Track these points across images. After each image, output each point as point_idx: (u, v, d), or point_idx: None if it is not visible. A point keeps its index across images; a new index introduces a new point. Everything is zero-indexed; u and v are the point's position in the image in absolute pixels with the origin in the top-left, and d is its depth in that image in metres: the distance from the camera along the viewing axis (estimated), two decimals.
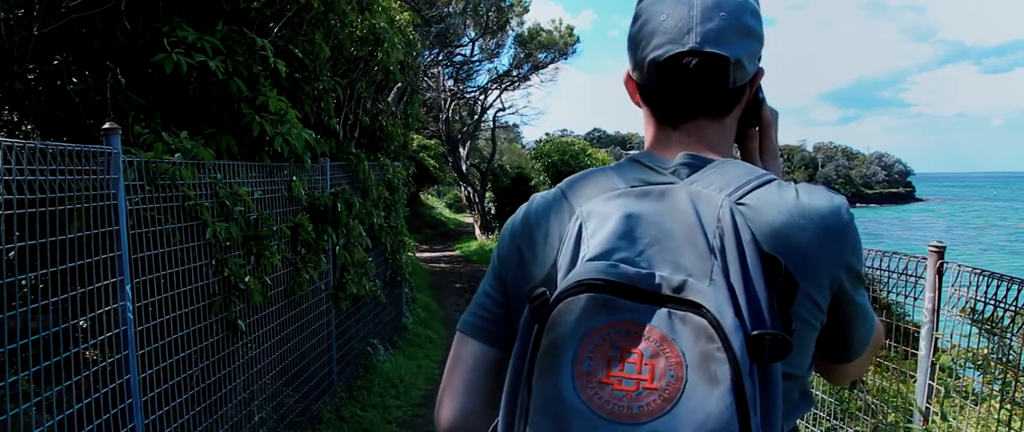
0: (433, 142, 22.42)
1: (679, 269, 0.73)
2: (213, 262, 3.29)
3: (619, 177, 0.89)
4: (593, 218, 0.80)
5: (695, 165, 0.87)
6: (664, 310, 0.70)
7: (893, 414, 3.32)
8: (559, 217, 0.89)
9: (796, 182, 0.87)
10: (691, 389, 0.67)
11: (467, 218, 26.66)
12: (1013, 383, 2.67)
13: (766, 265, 0.75)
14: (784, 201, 0.82)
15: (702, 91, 0.89)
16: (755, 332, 0.70)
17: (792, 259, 0.78)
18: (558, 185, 0.95)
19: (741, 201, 0.81)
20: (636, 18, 0.92)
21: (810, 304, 0.82)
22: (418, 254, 14.27)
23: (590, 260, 0.75)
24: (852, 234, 0.85)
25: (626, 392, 0.69)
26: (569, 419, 0.69)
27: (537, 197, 0.98)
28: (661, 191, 0.81)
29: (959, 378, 2.97)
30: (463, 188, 22.95)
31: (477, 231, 21.55)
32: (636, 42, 0.92)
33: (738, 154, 1.02)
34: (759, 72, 0.94)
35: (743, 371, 0.68)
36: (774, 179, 0.85)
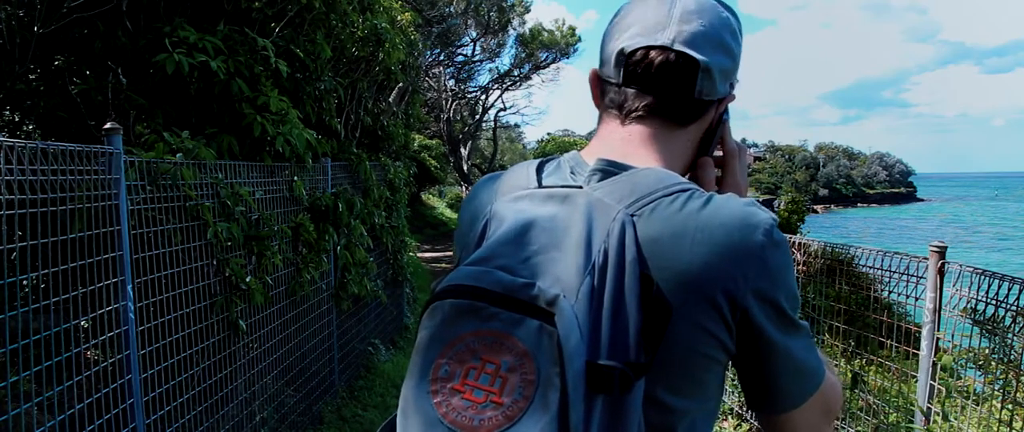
0: (434, 142, 22.44)
1: (557, 282, 0.70)
2: (214, 262, 3.30)
3: (536, 175, 0.84)
4: (494, 219, 0.79)
5: (609, 171, 0.81)
6: (536, 323, 0.67)
7: (894, 414, 3.31)
8: (481, 209, 0.86)
9: (765, 199, 0.86)
10: (530, 413, 0.64)
11: None
12: (1014, 383, 2.66)
13: (643, 285, 0.70)
14: (683, 214, 0.74)
15: (665, 90, 0.85)
16: (604, 361, 0.67)
17: (675, 278, 0.72)
18: (499, 171, 0.92)
19: (638, 212, 0.74)
20: (614, 15, 0.91)
21: (699, 331, 0.73)
22: (419, 254, 14.27)
23: (467, 264, 0.73)
24: (766, 258, 0.73)
25: (474, 403, 0.66)
26: (417, 421, 0.68)
27: (482, 179, 0.95)
28: (564, 195, 0.77)
29: (960, 378, 2.97)
30: (465, 188, 22.95)
31: None
32: (608, 35, 0.90)
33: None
34: (729, 96, 0.90)
35: (572, 401, 0.64)
36: (689, 190, 0.77)
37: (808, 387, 0.80)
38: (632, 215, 0.74)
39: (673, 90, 0.85)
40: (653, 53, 0.83)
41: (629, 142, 0.86)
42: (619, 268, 0.71)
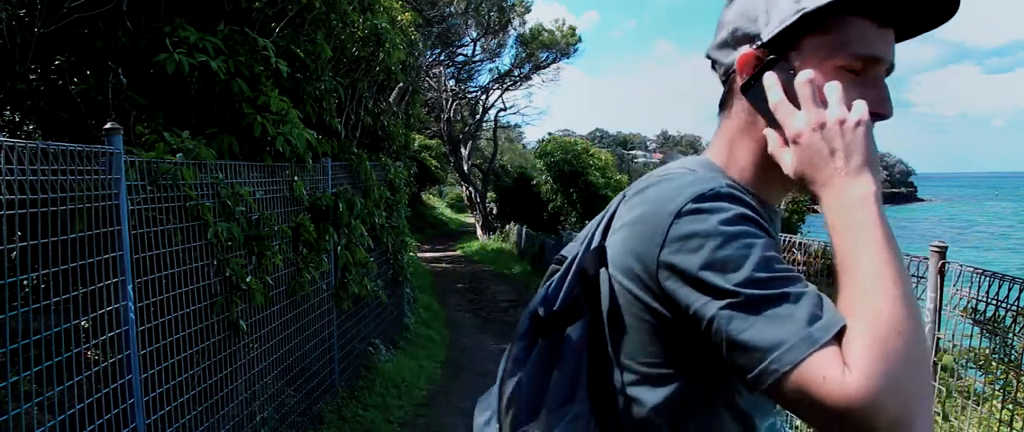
0: (435, 142, 22.44)
1: (571, 250, 0.92)
2: (215, 262, 3.30)
3: None
4: None
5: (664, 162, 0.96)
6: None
7: None
8: None
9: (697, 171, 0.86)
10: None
11: (469, 218, 26.66)
12: (1015, 383, 2.66)
13: (586, 252, 0.86)
14: (640, 195, 0.83)
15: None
16: (535, 307, 0.91)
17: (615, 248, 0.82)
18: None
19: (629, 192, 0.87)
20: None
21: (629, 296, 0.80)
22: (420, 254, 14.28)
23: None
24: (675, 229, 0.75)
25: None
26: None
27: None
28: None
29: (961, 378, 2.97)
30: (465, 188, 22.97)
31: (478, 231, 21.56)
32: None
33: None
34: (744, 55, 0.86)
35: (516, 337, 0.92)
36: (671, 175, 0.84)
37: (764, 363, 0.68)
38: (625, 194, 0.88)
39: (723, 84, 0.94)
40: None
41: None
42: (591, 235, 0.87)
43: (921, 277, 3.08)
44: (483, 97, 23.25)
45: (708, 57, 0.94)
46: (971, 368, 2.96)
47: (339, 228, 4.83)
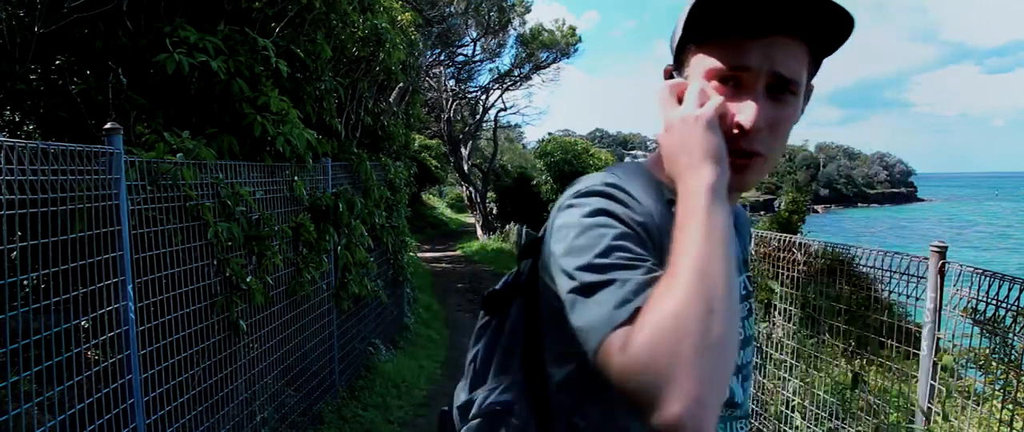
0: (435, 142, 22.43)
1: None
2: (215, 262, 3.30)
3: None
4: None
5: None
6: None
7: (895, 414, 3.31)
8: None
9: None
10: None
11: (469, 218, 26.65)
12: (1015, 383, 2.66)
13: (526, 243, 1.02)
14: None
15: None
16: (486, 291, 1.06)
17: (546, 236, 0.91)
18: None
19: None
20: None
21: (541, 280, 0.91)
22: (420, 254, 14.27)
23: None
24: (555, 222, 0.86)
25: None
26: None
27: None
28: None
29: (961, 378, 2.96)
30: (465, 188, 22.96)
31: (479, 231, 21.54)
32: None
33: None
34: (666, 69, 0.98)
35: (479, 316, 1.09)
36: (585, 176, 0.93)
37: (586, 342, 0.76)
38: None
39: None
40: None
41: None
42: (542, 231, 0.95)
43: (921, 277, 3.08)
44: (483, 97, 23.24)
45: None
46: (971, 368, 2.96)
47: (339, 228, 4.83)
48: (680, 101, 0.86)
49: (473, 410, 0.97)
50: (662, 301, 0.70)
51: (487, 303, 1.05)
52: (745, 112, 0.84)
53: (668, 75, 0.96)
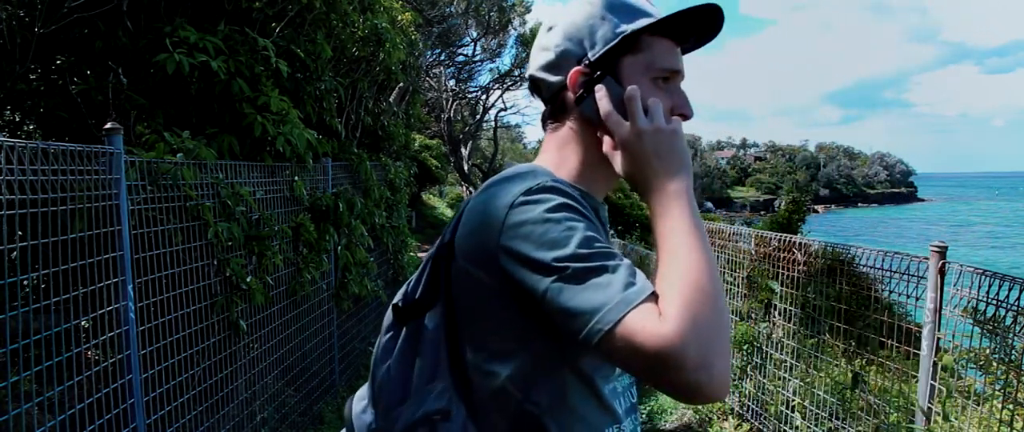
0: (435, 142, 22.43)
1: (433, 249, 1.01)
2: (215, 262, 3.30)
3: None
4: None
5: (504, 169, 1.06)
6: None
7: (895, 414, 3.31)
8: None
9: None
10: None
11: None
12: (1015, 383, 2.66)
13: (438, 247, 0.98)
14: (482, 194, 0.95)
15: (545, 103, 1.08)
16: (396, 301, 1.03)
17: (462, 241, 0.93)
18: None
19: (476, 193, 0.98)
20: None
21: (474, 281, 0.92)
22: (420, 254, 14.27)
23: None
24: (510, 218, 0.87)
25: None
26: None
27: None
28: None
29: (961, 378, 2.96)
30: (465, 188, 22.96)
31: None
32: None
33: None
34: (574, 73, 1.00)
35: (383, 330, 1.06)
36: (511, 176, 0.97)
37: (590, 324, 0.80)
38: (473, 195, 0.99)
39: (544, 101, 1.07)
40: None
41: (543, 147, 1.09)
42: (444, 236, 0.98)
43: (921, 277, 3.08)
44: (483, 97, 23.26)
45: (531, 78, 1.07)
46: (971, 368, 2.96)
47: (339, 228, 4.83)
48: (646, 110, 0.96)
49: (400, 425, 0.95)
50: (689, 284, 0.80)
51: (404, 314, 1.02)
52: (687, 103, 1.01)
53: (583, 76, 0.99)
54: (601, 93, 0.97)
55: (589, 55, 0.99)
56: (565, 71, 1.01)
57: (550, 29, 1.04)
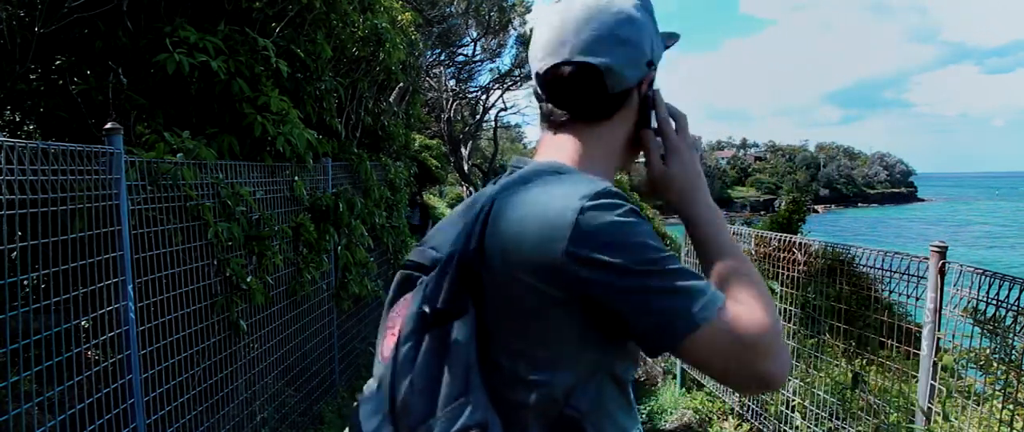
0: (435, 142, 22.40)
1: (442, 247, 0.94)
2: (215, 262, 3.30)
3: (493, 182, 1.02)
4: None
5: (516, 167, 1.00)
6: (419, 276, 0.96)
7: (895, 414, 3.31)
8: None
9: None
10: (399, 341, 0.92)
11: None
12: (1015, 383, 2.66)
13: (465, 249, 0.90)
14: (521, 195, 0.90)
15: (578, 98, 0.99)
16: (419, 306, 0.91)
17: (501, 246, 0.87)
18: None
19: (502, 195, 0.92)
20: (530, 33, 1.04)
21: (528, 288, 0.86)
22: None
23: (416, 245, 1.02)
24: (582, 227, 0.84)
25: (389, 336, 0.96)
26: (376, 360, 0.99)
27: None
28: (480, 192, 0.98)
29: (961, 378, 2.96)
30: (465, 188, 22.96)
31: None
32: (529, 57, 1.04)
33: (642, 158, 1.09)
34: (647, 76, 1.01)
35: (404, 333, 0.91)
36: (551, 175, 0.93)
37: (690, 319, 0.83)
38: (495, 196, 0.92)
39: (585, 95, 0.99)
40: (561, 69, 0.98)
41: (557, 145, 1.02)
42: (468, 236, 0.90)
43: (921, 277, 3.07)
44: (483, 97, 23.26)
45: (588, 66, 0.97)
46: (971, 368, 2.95)
47: (339, 228, 4.83)
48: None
49: None
50: (756, 281, 0.92)
51: (431, 323, 0.91)
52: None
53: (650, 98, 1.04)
54: (660, 96, 1.02)
55: (652, 57, 1.01)
56: (640, 69, 1.00)
57: (628, 19, 0.98)
